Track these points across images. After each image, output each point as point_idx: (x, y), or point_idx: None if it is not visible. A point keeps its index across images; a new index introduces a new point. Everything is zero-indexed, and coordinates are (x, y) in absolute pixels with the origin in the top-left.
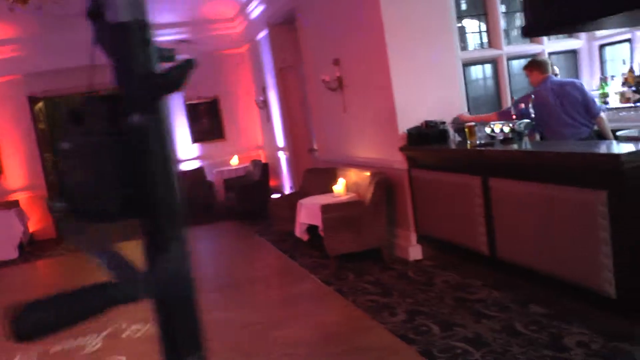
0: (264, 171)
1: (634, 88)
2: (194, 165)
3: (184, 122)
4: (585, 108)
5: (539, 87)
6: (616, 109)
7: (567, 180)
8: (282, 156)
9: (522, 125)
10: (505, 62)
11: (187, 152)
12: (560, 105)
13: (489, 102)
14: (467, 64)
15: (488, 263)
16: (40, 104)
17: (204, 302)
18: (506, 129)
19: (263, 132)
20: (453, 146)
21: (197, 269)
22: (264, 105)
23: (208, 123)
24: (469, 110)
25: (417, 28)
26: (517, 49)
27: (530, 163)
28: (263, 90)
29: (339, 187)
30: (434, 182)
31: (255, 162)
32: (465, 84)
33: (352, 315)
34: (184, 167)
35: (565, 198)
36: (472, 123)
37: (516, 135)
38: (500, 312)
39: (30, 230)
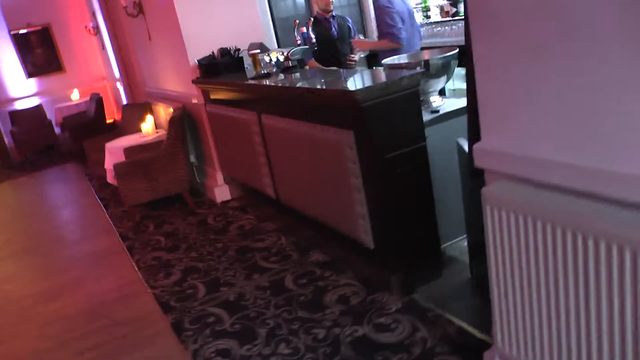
0: (99, 106)
1: (451, 1)
2: (32, 102)
3: (12, 55)
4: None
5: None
6: (435, 23)
7: (325, 118)
8: (121, 88)
9: (298, 53)
10: None
11: (21, 88)
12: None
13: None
14: None
15: (277, 207)
16: None
17: None
18: (281, 58)
19: (104, 62)
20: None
21: None
22: (97, 31)
23: (43, 54)
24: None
25: None
26: None
27: (287, 98)
28: (93, 15)
29: (147, 125)
30: (224, 118)
31: (93, 96)
32: (271, 5)
33: (127, 280)
34: (20, 105)
35: (324, 139)
36: (293, 50)
37: (297, 62)
38: (278, 263)
39: None
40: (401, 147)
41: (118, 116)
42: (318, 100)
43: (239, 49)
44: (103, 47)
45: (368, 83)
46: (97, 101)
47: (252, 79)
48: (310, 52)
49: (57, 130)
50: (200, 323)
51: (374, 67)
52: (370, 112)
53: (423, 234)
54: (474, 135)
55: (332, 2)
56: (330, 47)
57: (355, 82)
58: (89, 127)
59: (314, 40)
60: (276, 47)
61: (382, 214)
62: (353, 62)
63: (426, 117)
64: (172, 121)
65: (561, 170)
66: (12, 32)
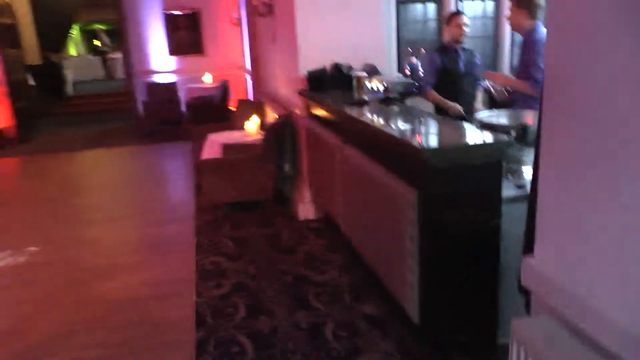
0: (224, 93)
1: None
2: (168, 79)
3: (161, 32)
4: None
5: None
6: None
7: (394, 165)
8: (249, 80)
9: (399, 86)
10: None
11: (162, 64)
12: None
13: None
14: (404, 1)
15: (344, 238)
16: None
17: None
18: (381, 87)
19: (242, 53)
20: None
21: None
22: (239, 23)
23: (187, 36)
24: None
25: None
26: None
27: (363, 131)
28: (239, 7)
29: (252, 125)
30: (316, 136)
31: (222, 83)
32: (400, 24)
33: (178, 278)
34: (157, 79)
35: (388, 187)
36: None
37: (398, 95)
38: (327, 305)
39: None
40: (470, 221)
41: None
42: (388, 144)
43: (351, 68)
44: (242, 38)
45: (445, 141)
46: (224, 88)
47: (350, 103)
48: (412, 87)
49: (183, 108)
50: (223, 349)
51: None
52: (439, 175)
53: (479, 324)
54: (529, 241)
55: (465, 33)
56: (454, 81)
57: (431, 137)
58: (211, 111)
59: (421, 73)
60: (395, 71)
61: (435, 291)
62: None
63: (509, 191)
64: (270, 127)
65: (616, 335)
66: (164, 12)
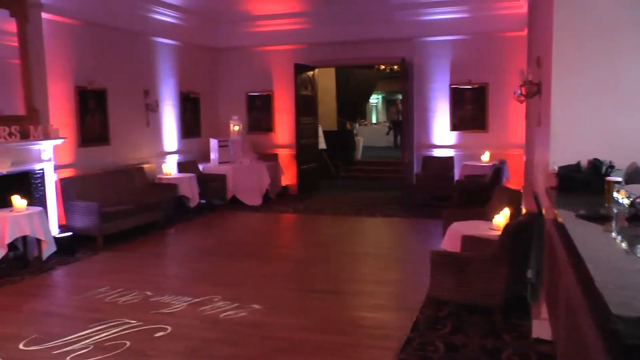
0: (496, 174)
1: None
2: (445, 153)
3: (445, 107)
4: None
5: None
6: None
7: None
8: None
9: None
10: None
11: (443, 138)
12: None
13: None
14: None
15: None
16: (310, 73)
17: None
18: (627, 201)
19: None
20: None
21: None
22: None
23: (471, 111)
24: None
25: (601, 28)
26: None
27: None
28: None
29: (500, 218)
30: (553, 247)
31: (497, 163)
32: None
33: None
34: (435, 152)
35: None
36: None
37: None
38: None
39: (283, 183)
40: None
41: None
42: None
43: (612, 166)
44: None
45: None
46: (497, 170)
47: (583, 216)
48: None
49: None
50: None
51: None
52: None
53: None
54: None
55: None
56: None
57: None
58: (477, 192)
59: None
60: None
61: None
62: None
63: None
64: (514, 225)
65: None
66: (451, 85)
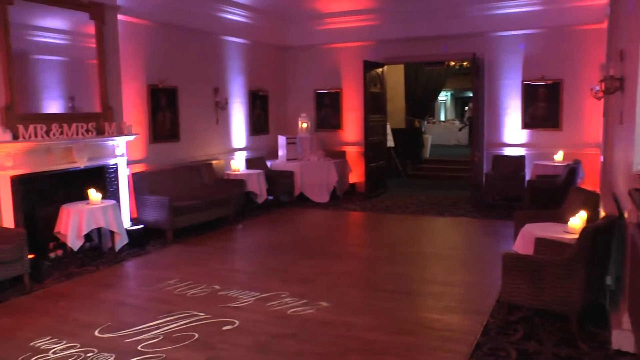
0: (571, 175)
1: None
2: (516, 152)
3: (517, 104)
4: None
5: None
6: None
7: None
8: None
9: None
10: None
11: (514, 136)
12: None
13: None
14: None
15: None
16: (379, 70)
17: None
18: None
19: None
20: None
21: None
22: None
23: (544, 108)
24: None
25: None
26: None
27: None
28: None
29: (576, 221)
30: (637, 253)
31: (572, 163)
32: None
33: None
34: (506, 151)
35: None
36: None
37: None
38: None
39: (351, 181)
40: None
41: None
42: None
43: None
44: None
45: None
46: (571, 170)
47: None
48: None
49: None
50: None
51: None
52: None
53: None
54: None
55: None
56: None
57: None
58: (550, 193)
59: None
60: None
61: None
62: None
63: None
64: (592, 228)
65: None
66: (524, 82)
